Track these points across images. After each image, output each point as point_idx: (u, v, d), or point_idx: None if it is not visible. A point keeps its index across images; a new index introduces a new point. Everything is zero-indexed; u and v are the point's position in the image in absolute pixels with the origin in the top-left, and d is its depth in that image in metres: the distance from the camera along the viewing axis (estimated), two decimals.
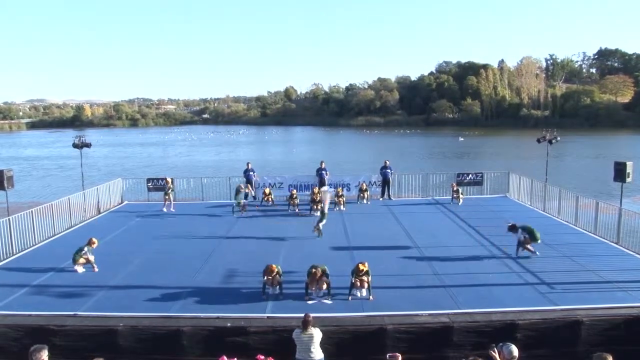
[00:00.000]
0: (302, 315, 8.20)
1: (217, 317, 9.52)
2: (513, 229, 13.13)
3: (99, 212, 19.80)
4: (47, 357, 6.01)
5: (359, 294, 10.41)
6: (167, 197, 20.33)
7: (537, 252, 12.87)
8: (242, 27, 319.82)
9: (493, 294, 10.55)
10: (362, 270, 10.32)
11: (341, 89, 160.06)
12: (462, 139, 79.68)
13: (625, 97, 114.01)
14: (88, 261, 12.43)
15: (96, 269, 12.41)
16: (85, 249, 12.49)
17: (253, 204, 21.27)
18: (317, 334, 7.96)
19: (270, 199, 20.93)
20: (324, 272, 10.31)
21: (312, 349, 7.86)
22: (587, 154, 57.06)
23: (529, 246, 12.86)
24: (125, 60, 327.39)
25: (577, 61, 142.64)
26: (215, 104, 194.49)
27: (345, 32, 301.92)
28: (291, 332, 8.15)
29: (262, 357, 7.44)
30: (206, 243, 15.01)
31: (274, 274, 10.35)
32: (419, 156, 57.63)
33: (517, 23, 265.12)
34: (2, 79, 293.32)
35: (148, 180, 22.65)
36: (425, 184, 22.74)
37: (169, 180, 21.34)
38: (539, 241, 12.87)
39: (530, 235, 12.82)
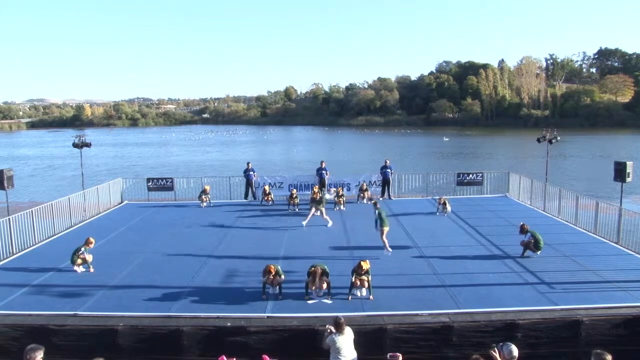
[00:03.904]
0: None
1: (217, 317, 9.52)
2: (523, 230, 13.19)
3: (99, 212, 19.80)
4: (41, 359, 5.89)
5: (359, 294, 10.41)
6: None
7: (538, 252, 12.92)
8: (242, 27, 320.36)
9: (493, 293, 10.55)
10: (364, 268, 10.31)
11: (341, 89, 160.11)
12: (446, 139, 79.57)
13: (625, 97, 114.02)
14: (85, 261, 12.41)
15: (92, 270, 12.38)
16: (82, 248, 12.47)
17: (253, 203, 21.33)
18: (350, 332, 7.79)
19: (270, 199, 20.93)
20: (324, 272, 10.31)
21: (349, 349, 7.66)
22: (587, 153, 57.01)
23: (529, 250, 13.00)
24: (125, 60, 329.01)
25: (577, 61, 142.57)
26: (215, 104, 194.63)
27: (346, 32, 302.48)
28: (291, 332, 8.13)
29: (267, 358, 7.39)
30: (206, 243, 15.01)
31: (273, 274, 10.35)
32: (415, 156, 57.54)
33: (517, 23, 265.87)
34: (2, 79, 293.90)
35: (148, 179, 22.69)
36: (425, 184, 22.75)
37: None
38: (539, 252, 12.90)
39: (536, 242, 12.89)
